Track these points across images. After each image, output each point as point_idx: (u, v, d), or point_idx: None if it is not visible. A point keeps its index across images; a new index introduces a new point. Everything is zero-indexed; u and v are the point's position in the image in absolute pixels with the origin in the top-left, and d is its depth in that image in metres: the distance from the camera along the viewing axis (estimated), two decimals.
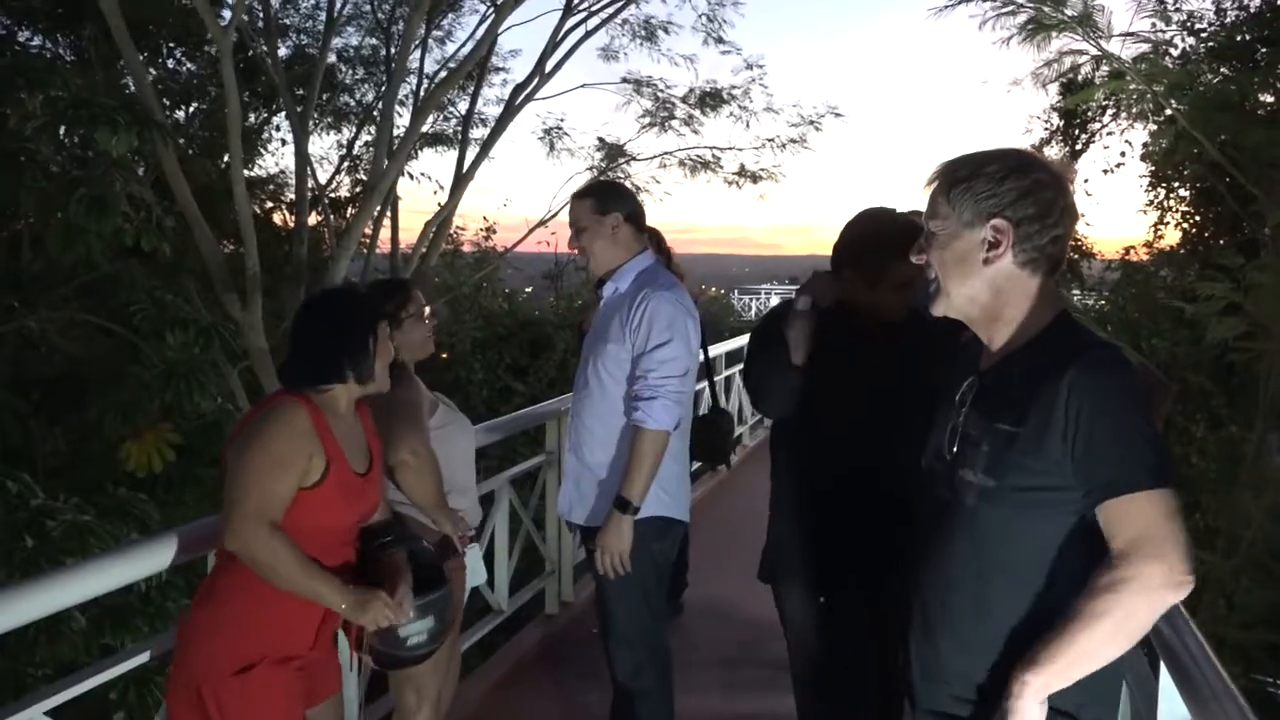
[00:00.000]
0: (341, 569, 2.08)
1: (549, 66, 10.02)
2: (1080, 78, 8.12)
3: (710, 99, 11.73)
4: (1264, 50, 8.63)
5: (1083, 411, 1.42)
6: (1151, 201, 11.48)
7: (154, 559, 2.28)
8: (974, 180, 1.53)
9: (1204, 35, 8.87)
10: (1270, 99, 7.53)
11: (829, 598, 2.50)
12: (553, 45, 9.95)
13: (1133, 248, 12.05)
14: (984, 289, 1.55)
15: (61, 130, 6.70)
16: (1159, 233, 11.57)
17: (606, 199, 2.69)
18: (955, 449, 1.59)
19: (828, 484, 2.41)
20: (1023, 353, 1.54)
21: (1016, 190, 1.50)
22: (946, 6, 6.73)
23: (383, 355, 2.15)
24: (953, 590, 1.56)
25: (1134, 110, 8.87)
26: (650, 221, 2.87)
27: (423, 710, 2.67)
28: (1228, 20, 9.21)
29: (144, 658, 2.24)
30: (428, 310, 2.66)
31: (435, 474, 2.49)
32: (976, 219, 1.52)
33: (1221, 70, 8.58)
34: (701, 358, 4.14)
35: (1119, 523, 1.42)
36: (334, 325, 2.11)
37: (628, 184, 11.83)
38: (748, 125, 12.16)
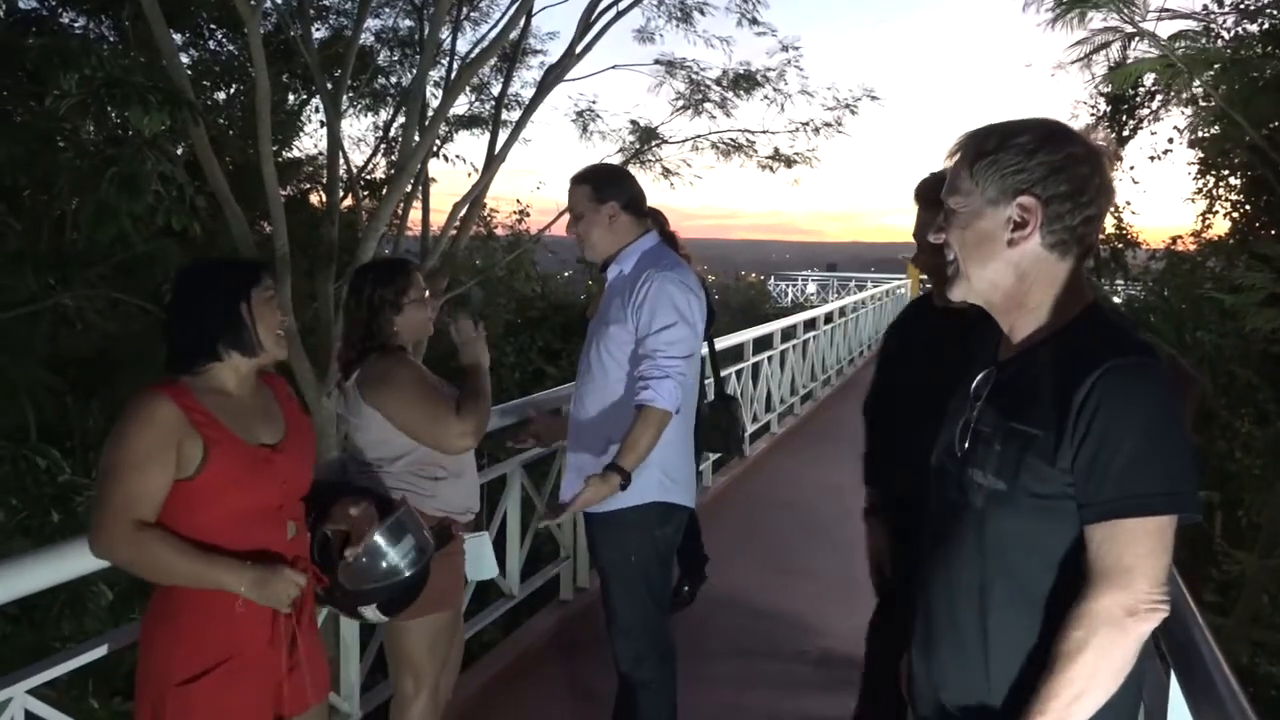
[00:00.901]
0: (277, 549, 1.97)
1: (581, 46, 9.92)
2: (1112, 57, 7.90)
3: (744, 81, 11.57)
4: None
5: (1098, 418, 1.30)
6: (1200, 190, 11.16)
7: None
8: (1001, 152, 1.39)
9: (1255, 13, 8.55)
10: None
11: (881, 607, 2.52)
12: (585, 25, 9.85)
13: (1179, 237, 11.74)
14: (1007, 273, 1.41)
15: (99, 109, 6.76)
16: (1207, 222, 11.24)
17: (604, 186, 2.62)
18: (966, 446, 1.47)
19: (887, 488, 2.45)
20: (1046, 346, 1.41)
21: (1048, 165, 1.36)
22: None
23: (264, 322, 1.98)
24: (957, 597, 1.46)
25: (1184, 95, 8.62)
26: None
27: (420, 697, 2.63)
28: None
29: (101, 651, 2.20)
30: (428, 292, 2.61)
31: (482, 411, 2.53)
32: (1002, 196, 1.39)
33: (1276, 52, 8.29)
34: (706, 348, 4.09)
35: (1102, 547, 1.32)
36: (198, 304, 1.97)
37: (658, 167, 11.76)
38: (782, 108, 12.00)
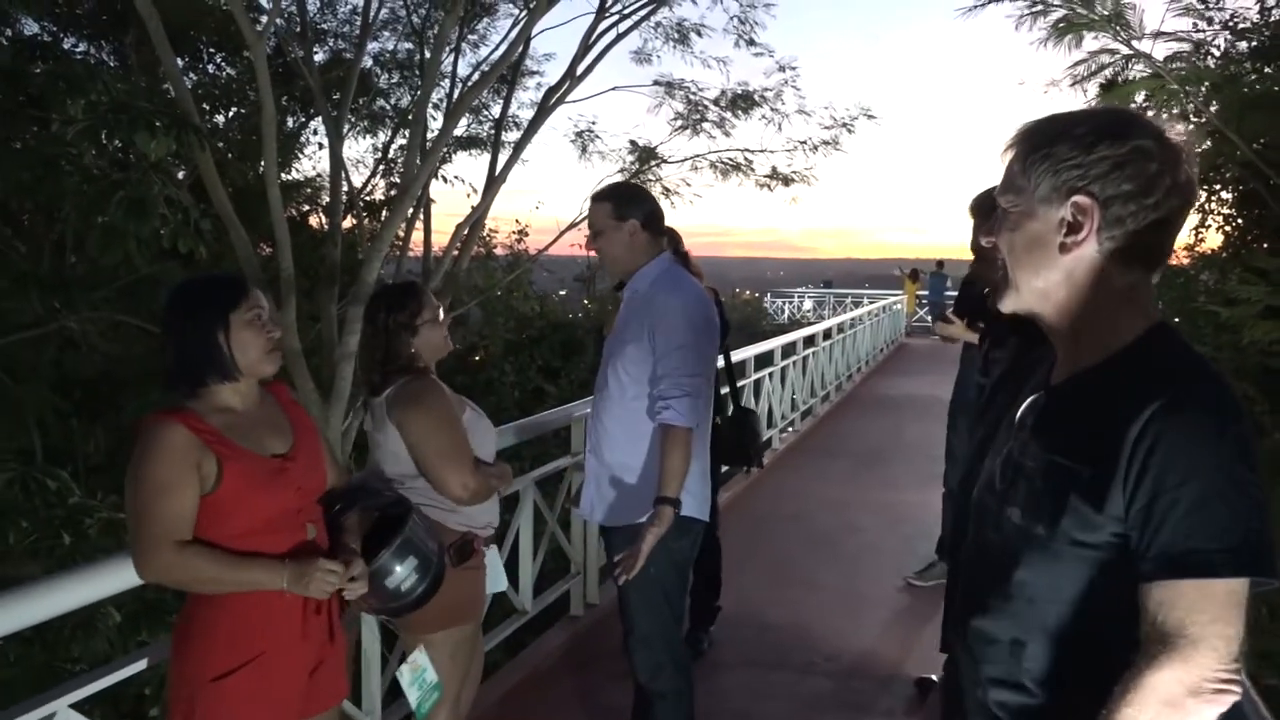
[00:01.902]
0: (300, 550, 2.05)
1: (581, 69, 10.04)
2: (1111, 78, 8.04)
3: (742, 101, 11.72)
4: None
5: (1154, 458, 1.12)
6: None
7: None
8: (1056, 145, 1.21)
9: (1244, 32, 8.71)
10: None
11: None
12: (585, 48, 9.98)
13: (1172, 251, 11.84)
14: (1059, 283, 1.24)
15: (102, 134, 6.83)
16: (1200, 236, 11.36)
17: (624, 204, 2.69)
18: (1007, 481, 1.30)
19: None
20: (1101, 370, 1.23)
21: (1110, 160, 1.18)
22: (975, 6, 6.67)
23: (244, 346, 2.02)
24: (988, 652, 1.30)
25: (1175, 111, 8.75)
26: (683, 225, 2.87)
27: (442, 710, 2.66)
28: (1272, 19, 9.03)
29: (141, 665, 2.26)
30: (441, 312, 2.67)
31: (488, 490, 2.62)
32: (1054, 194, 1.21)
33: (1265, 70, 8.42)
34: (722, 361, 4.14)
35: (1161, 610, 1.13)
36: (179, 333, 2.01)
37: (658, 187, 11.87)
38: (780, 127, 12.15)
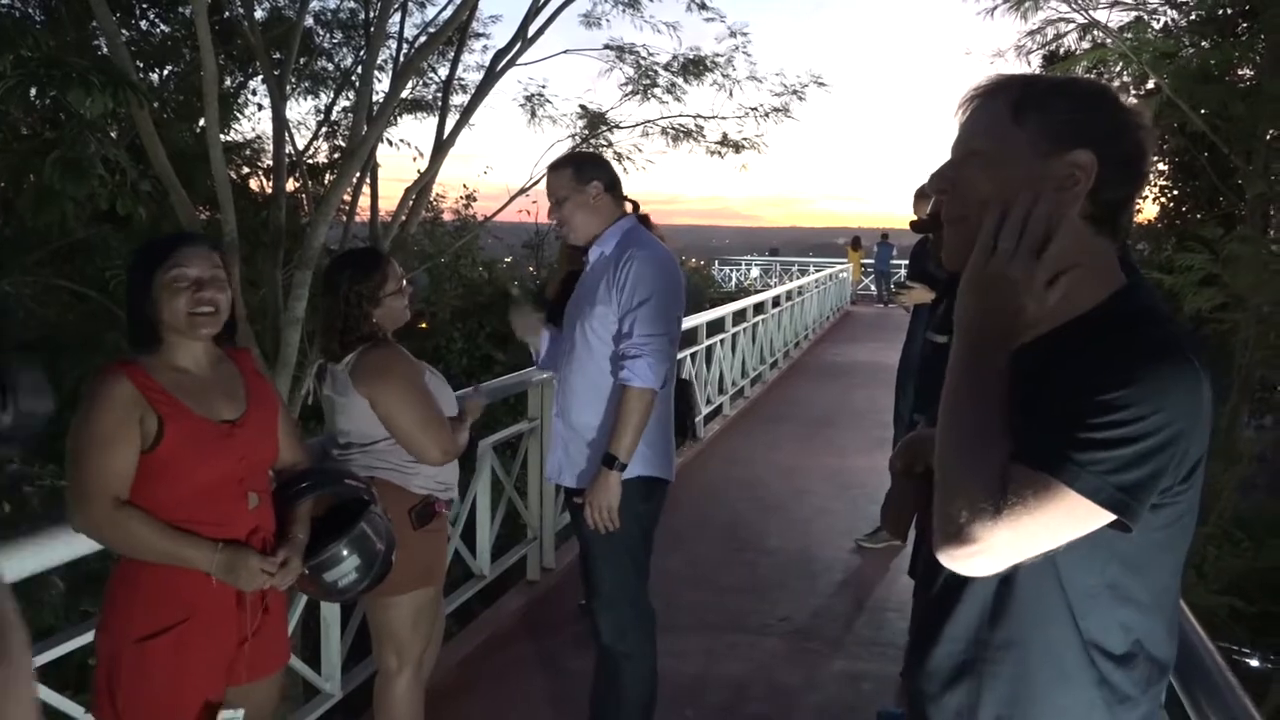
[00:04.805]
0: (235, 522, 2.03)
1: (531, 31, 9.89)
2: (1063, 49, 8.18)
3: (693, 67, 11.63)
4: (1244, 24, 8.69)
5: (1062, 380, 1.10)
6: None
7: None
8: (1057, 98, 1.18)
9: (1185, 7, 8.90)
10: (1249, 72, 7.60)
11: None
12: (535, 10, 9.82)
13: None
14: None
15: (33, 92, 6.56)
16: (1137, 206, 11.68)
17: (584, 168, 2.68)
18: None
19: None
20: (1059, 333, 1.18)
21: (1110, 124, 1.16)
22: None
23: (165, 307, 1.99)
24: (944, 660, 1.27)
25: (1123, 80, 8.93)
26: (633, 191, 2.85)
27: (404, 673, 2.66)
28: None
29: (89, 636, 2.19)
30: (405, 282, 2.64)
31: (459, 441, 2.63)
32: (1054, 148, 1.15)
33: (1202, 43, 8.64)
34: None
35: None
36: (129, 288, 2.01)
37: (609, 152, 11.79)
38: (731, 94, 12.07)
